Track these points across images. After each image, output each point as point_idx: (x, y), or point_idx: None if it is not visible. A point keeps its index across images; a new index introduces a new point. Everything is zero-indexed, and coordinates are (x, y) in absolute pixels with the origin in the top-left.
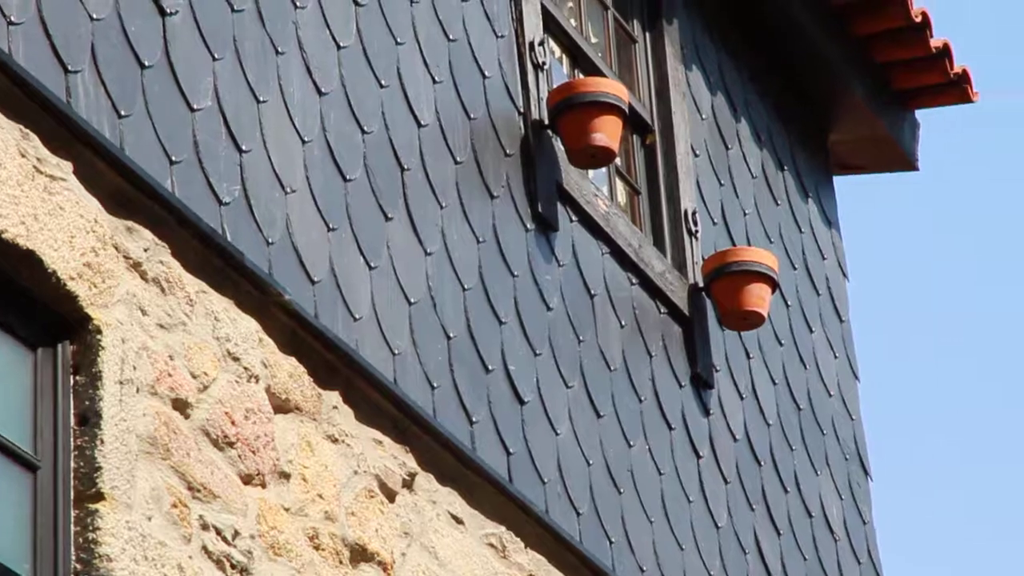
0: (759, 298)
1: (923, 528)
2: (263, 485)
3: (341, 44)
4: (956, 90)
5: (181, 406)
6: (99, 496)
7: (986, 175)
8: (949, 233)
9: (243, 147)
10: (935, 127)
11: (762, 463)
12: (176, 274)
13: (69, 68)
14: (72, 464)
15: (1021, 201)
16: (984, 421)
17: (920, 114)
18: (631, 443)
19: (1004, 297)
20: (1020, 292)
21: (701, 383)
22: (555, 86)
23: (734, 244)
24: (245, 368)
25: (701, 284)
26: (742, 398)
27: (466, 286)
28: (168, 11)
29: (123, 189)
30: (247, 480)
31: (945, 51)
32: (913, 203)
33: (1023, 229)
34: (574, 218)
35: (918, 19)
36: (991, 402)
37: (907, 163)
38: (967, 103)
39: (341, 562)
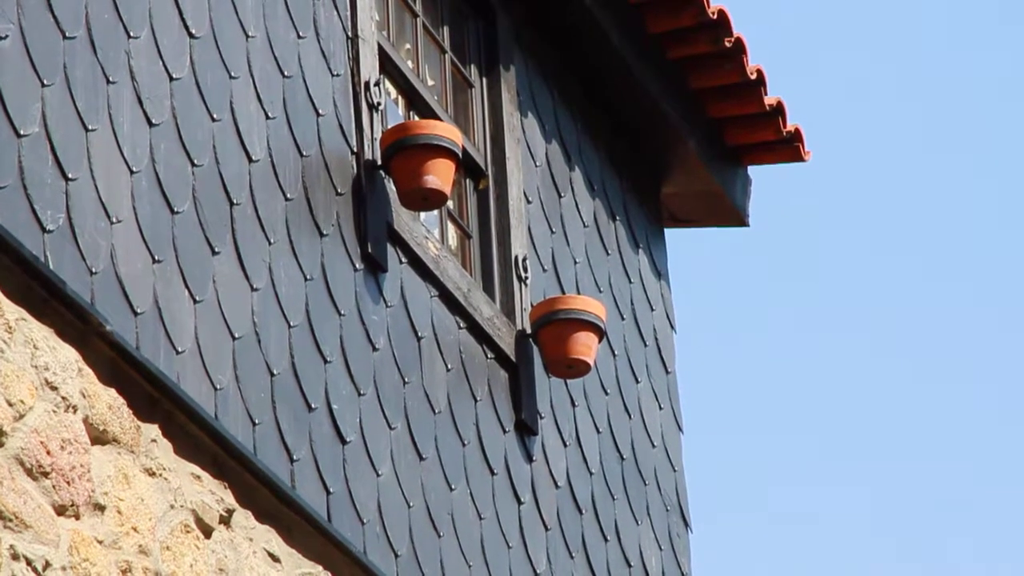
0: (586, 346)
1: None
2: (77, 516)
3: (174, 76)
4: (788, 148)
5: None
6: None
7: (816, 233)
8: (777, 288)
9: (69, 175)
10: (767, 184)
11: (583, 511)
12: None
13: None
14: None
15: (847, 259)
16: (807, 478)
17: (752, 170)
18: (452, 486)
19: (829, 354)
20: (844, 348)
21: (525, 429)
22: (389, 127)
23: (564, 292)
24: (63, 398)
25: (529, 331)
26: (566, 446)
27: (292, 323)
28: None
29: None
30: (61, 511)
31: (779, 109)
32: (743, 258)
33: (849, 287)
34: (403, 259)
35: (753, 76)
36: (814, 459)
37: (738, 218)
38: (799, 161)
39: None
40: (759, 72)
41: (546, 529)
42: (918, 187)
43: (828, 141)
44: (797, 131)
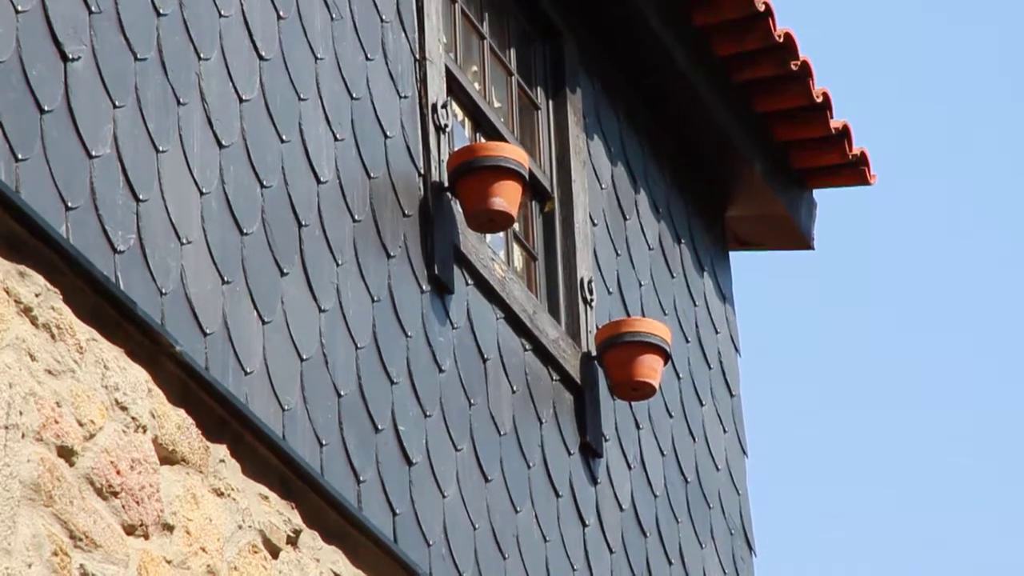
0: (651, 369)
1: None
2: (146, 536)
3: (244, 97)
4: (854, 171)
5: (66, 453)
6: None
7: (881, 256)
8: (841, 312)
9: (140, 196)
10: (833, 207)
11: (648, 534)
12: (67, 320)
13: None
14: None
15: (913, 283)
16: (870, 502)
17: (818, 194)
18: (518, 508)
19: (893, 377)
20: (909, 372)
21: (590, 451)
22: (456, 149)
23: (628, 314)
24: (133, 418)
25: (594, 353)
26: (630, 468)
27: (359, 344)
28: (70, 56)
29: (17, 233)
30: (130, 530)
31: (844, 132)
32: (807, 281)
33: (913, 311)
34: (470, 281)
35: (819, 99)
36: (878, 483)
37: (803, 242)
38: (865, 185)
39: None
40: (825, 95)
41: (611, 552)
42: (986, 211)
43: (894, 165)
44: (863, 154)
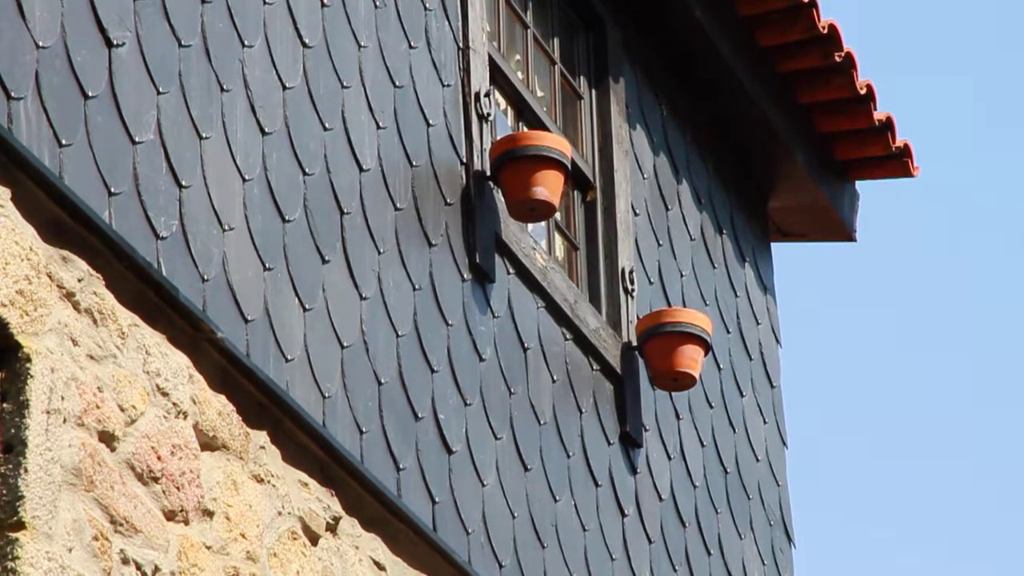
0: (692, 360)
1: None
2: (186, 522)
3: (287, 84)
4: (897, 163)
5: (107, 438)
6: (20, 525)
7: (923, 248)
8: (882, 304)
9: (183, 182)
10: (875, 199)
11: (687, 524)
12: (109, 306)
13: (12, 95)
14: None
15: (955, 275)
16: (910, 495)
17: (860, 185)
18: (557, 498)
19: (934, 370)
20: (949, 364)
21: (630, 441)
22: (499, 138)
23: (669, 305)
24: (174, 404)
25: (635, 343)
26: (670, 458)
27: (400, 332)
28: (115, 43)
29: (60, 218)
30: (170, 516)
31: (888, 124)
32: (849, 273)
33: (954, 304)
34: (511, 270)
35: (863, 91)
36: (918, 476)
37: (845, 233)
38: (908, 177)
39: None
40: (869, 87)
41: (650, 542)
42: None
43: (937, 157)
44: (906, 146)
